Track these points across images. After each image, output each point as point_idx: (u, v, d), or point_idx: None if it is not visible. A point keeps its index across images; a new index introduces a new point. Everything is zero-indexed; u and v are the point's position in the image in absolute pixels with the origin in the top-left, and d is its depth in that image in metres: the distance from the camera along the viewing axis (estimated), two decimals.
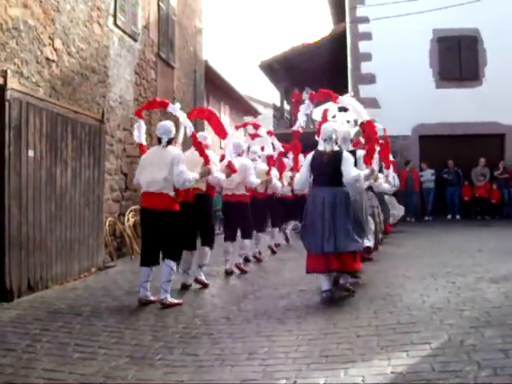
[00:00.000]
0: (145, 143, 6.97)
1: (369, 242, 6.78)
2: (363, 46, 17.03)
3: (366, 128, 6.67)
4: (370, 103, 16.60)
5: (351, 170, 5.82)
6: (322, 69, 20.74)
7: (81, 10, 8.70)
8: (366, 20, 16.95)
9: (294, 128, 7.22)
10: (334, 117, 7.43)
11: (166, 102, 7.03)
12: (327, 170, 5.86)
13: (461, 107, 15.72)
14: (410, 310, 5.16)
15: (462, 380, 3.39)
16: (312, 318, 5.20)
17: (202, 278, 7.02)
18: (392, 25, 15.95)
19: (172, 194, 5.96)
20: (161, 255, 6.08)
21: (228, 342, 4.60)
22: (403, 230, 13.32)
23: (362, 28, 17.10)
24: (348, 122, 7.41)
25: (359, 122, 7.01)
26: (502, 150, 16.64)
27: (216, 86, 20.12)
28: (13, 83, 6.43)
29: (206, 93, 17.60)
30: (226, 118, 22.68)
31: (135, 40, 11.05)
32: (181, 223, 6.07)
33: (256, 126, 9.42)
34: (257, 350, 4.32)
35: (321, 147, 6.03)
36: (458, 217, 16.22)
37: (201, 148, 6.55)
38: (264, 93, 60.90)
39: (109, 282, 7.44)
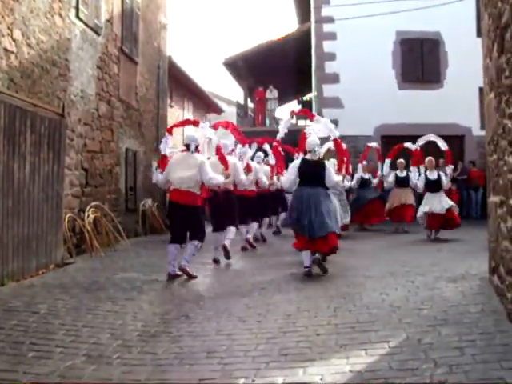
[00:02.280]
0: (168, 155, 8.24)
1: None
2: (327, 45, 17.12)
3: (336, 144, 8.60)
4: (333, 103, 16.74)
5: (334, 176, 7.53)
6: (286, 68, 20.82)
7: (41, 0, 8.52)
8: (330, 20, 17.04)
9: (277, 138, 9.27)
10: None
11: (198, 120, 8.81)
12: (313, 174, 7.35)
13: (422, 108, 15.94)
14: (369, 309, 5.20)
15: (418, 378, 3.43)
16: (272, 316, 5.19)
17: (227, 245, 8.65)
18: (356, 25, 16.08)
19: (198, 192, 7.37)
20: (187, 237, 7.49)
21: (187, 341, 4.56)
22: (364, 229, 13.46)
23: (326, 28, 17.18)
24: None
25: (332, 138, 8.71)
26: (462, 151, 16.96)
27: (180, 82, 19.99)
28: None
29: (169, 89, 17.46)
30: (189, 114, 22.55)
31: (98, 34, 10.88)
32: (203, 215, 7.80)
33: (261, 142, 12.04)
34: (216, 348, 4.30)
35: (307, 157, 7.58)
36: None
37: (223, 157, 8.24)
38: (228, 90, 60.81)
39: (67, 279, 7.30)
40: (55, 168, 8.30)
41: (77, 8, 9.83)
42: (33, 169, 7.61)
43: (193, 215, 7.30)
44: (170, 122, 17.95)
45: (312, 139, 7.76)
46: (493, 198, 5.52)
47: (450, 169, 11.62)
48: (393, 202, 12.71)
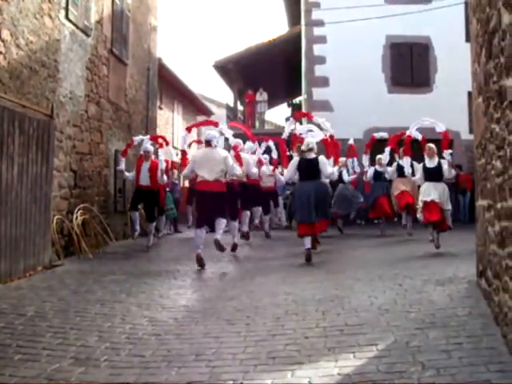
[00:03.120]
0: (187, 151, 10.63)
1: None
2: (318, 48, 17.18)
3: (331, 140, 10.19)
4: (323, 106, 16.78)
5: (328, 169, 8.90)
6: (276, 70, 20.85)
7: (31, 1, 8.47)
8: (320, 23, 17.11)
9: (282, 137, 11.01)
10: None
11: (217, 122, 10.44)
12: (310, 169, 8.72)
13: (412, 112, 15.93)
14: (357, 312, 5.21)
15: (406, 380, 3.45)
16: (260, 319, 5.19)
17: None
18: (346, 29, 16.15)
19: (224, 180, 8.63)
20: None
21: (175, 343, 4.55)
22: (353, 232, 13.50)
23: (316, 31, 17.24)
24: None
25: (328, 135, 10.29)
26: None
27: (169, 84, 19.96)
28: None
29: (159, 91, 17.43)
30: (178, 116, 22.51)
31: (88, 35, 10.85)
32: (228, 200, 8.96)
33: (267, 140, 12.97)
34: (204, 351, 4.29)
35: (304, 155, 8.83)
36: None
37: (238, 155, 9.68)
38: (218, 92, 60.88)
39: (55, 282, 7.26)
40: (44, 169, 8.26)
41: (66, 9, 9.79)
42: (21, 170, 7.56)
43: (220, 199, 8.52)
44: (160, 124, 17.94)
45: (309, 140, 9.21)
46: (481, 202, 5.55)
47: (448, 155, 9.65)
48: (393, 192, 12.06)
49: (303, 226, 8.62)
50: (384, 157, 12.39)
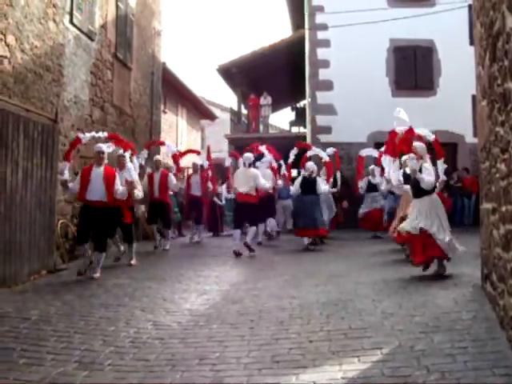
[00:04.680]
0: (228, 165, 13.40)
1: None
2: (321, 52, 17.16)
3: (327, 164, 12.34)
4: (327, 110, 16.77)
5: (322, 187, 11.23)
6: (280, 74, 20.84)
7: (36, 6, 8.51)
8: (324, 27, 17.08)
9: (289, 161, 13.00)
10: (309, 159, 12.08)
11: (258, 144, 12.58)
12: (310, 186, 11.04)
13: (416, 116, 15.86)
14: (361, 316, 5.20)
15: None
16: (264, 323, 5.19)
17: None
18: (350, 33, 16.12)
19: (255, 194, 10.47)
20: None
21: (179, 347, 4.55)
22: (356, 236, 13.46)
23: (320, 35, 17.22)
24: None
25: (323, 160, 12.38)
26: (455, 158, 17.00)
27: (173, 88, 20.01)
28: None
29: (163, 95, 17.46)
30: (182, 121, 22.54)
31: (92, 39, 10.88)
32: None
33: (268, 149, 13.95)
34: (208, 355, 4.29)
35: (305, 175, 11.20)
36: None
37: (274, 169, 12.33)
38: (222, 96, 60.95)
39: (59, 286, 7.27)
40: (48, 174, 8.27)
41: (71, 14, 9.83)
42: (25, 174, 7.58)
43: (251, 209, 10.39)
44: (164, 128, 17.96)
45: (310, 163, 11.35)
46: (485, 205, 5.54)
47: (442, 164, 7.62)
48: (398, 214, 9.01)
49: (299, 230, 11.19)
50: (387, 164, 8.36)
